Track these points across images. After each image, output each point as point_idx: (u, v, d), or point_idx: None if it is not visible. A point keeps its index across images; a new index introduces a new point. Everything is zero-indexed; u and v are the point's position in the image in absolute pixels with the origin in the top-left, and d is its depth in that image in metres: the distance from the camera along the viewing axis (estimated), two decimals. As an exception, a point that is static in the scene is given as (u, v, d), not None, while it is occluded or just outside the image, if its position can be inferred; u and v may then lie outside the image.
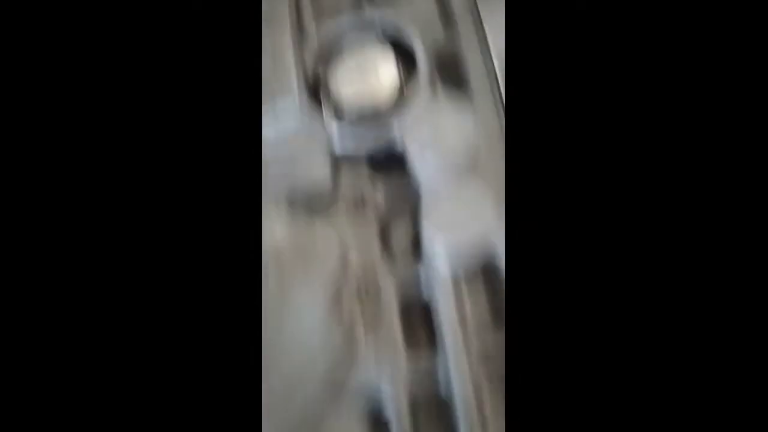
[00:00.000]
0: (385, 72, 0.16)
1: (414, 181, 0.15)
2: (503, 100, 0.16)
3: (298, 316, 0.15)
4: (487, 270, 0.15)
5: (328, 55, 0.17)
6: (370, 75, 0.16)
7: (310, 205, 0.16)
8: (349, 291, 0.15)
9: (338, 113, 0.16)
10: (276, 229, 0.15)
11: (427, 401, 0.14)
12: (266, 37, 0.17)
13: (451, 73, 0.16)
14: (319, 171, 0.16)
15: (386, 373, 0.14)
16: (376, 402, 0.14)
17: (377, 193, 0.16)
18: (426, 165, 0.15)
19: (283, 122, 0.16)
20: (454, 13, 0.17)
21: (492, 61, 0.16)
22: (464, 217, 0.14)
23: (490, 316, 0.15)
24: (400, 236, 0.16)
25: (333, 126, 0.16)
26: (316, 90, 0.17)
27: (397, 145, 0.16)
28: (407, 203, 0.15)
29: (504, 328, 0.14)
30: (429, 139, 0.15)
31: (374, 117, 0.16)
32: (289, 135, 0.16)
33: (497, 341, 0.14)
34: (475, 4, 0.17)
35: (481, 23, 0.16)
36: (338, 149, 0.16)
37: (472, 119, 0.15)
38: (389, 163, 0.16)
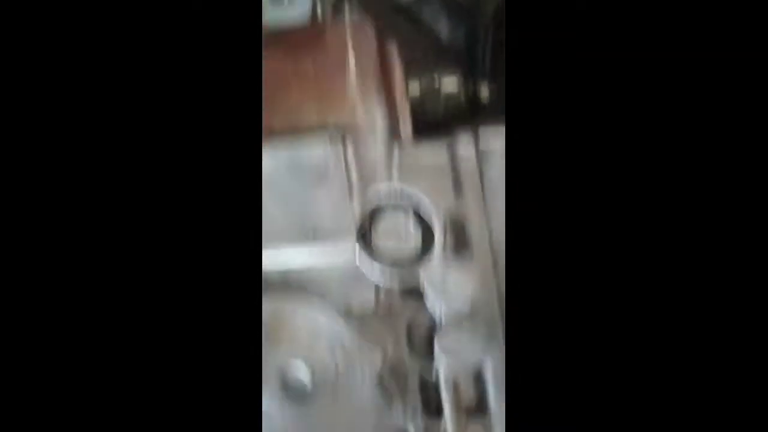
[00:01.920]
0: (410, 236, 0.21)
1: (430, 311, 0.22)
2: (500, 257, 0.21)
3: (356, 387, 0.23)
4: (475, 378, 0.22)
5: (372, 217, 0.22)
6: (405, 235, 0.21)
7: (361, 318, 0.23)
8: (386, 372, 0.23)
9: (379, 258, 0.22)
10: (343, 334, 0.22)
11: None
12: (323, 189, 0.22)
13: (459, 237, 0.22)
14: (366, 299, 0.22)
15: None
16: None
17: (406, 313, 0.23)
18: (438, 303, 0.22)
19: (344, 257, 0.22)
20: (462, 178, 0.22)
21: (491, 225, 0.21)
22: (462, 348, 0.21)
23: (476, 403, 0.22)
24: (420, 342, 0.23)
25: (375, 267, 0.22)
26: (365, 238, 0.22)
27: (419, 285, 0.22)
28: (425, 326, 0.22)
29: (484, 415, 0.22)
30: (440, 286, 0.21)
31: (402, 264, 0.22)
32: (349, 267, 0.22)
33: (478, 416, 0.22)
34: (481, 176, 0.21)
35: (483, 193, 0.21)
36: (379, 282, 0.22)
37: (472, 277, 0.21)
38: (415, 294, 0.22)
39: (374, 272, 0.22)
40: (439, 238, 0.21)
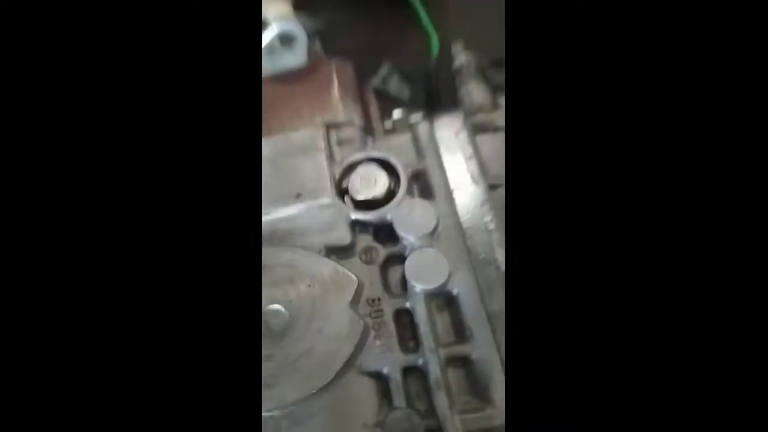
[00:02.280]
0: (381, 179, 0.26)
1: (400, 243, 0.25)
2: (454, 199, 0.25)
3: (331, 316, 0.23)
4: (443, 294, 0.24)
5: (348, 173, 0.27)
6: (377, 182, 0.26)
7: (338, 253, 0.25)
8: (362, 303, 0.24)
9: (355, 204, 0.26)
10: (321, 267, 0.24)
11: (412, 373, 0.23)
12: (309, 160, 0.27)
13: (422, 186, 0.27)
14: (343, 234, 0.25)
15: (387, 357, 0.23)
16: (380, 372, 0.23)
17: (380, 249, 0.25)
18: (406, 236, 0.25)
19: (323, 209, 0.26)
20: (423, 147, 0.28)
21: (447, 176, 0.26)
22: (432, 274, 0.23)
23: (451, 324, 0.24)
24: (393, 271, 0.25)
25: (351, 211, 0.26)
26: (341, 192, 0.27)
27: (388, 222, 0.25)
28: (397, 255, 0.25)
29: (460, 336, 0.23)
30: (407, 221, 0.25)
31: (374, 208, 0.26)
32: (327, 214, 0.26)
33: (453, 337, 0.23)
34: (436, 141, 0.27)
35: (440, 158, 0.27)
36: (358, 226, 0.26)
37: (434, 211, 0.25)
38: (386, 232, 0.26)
39: (350, 214, 0.25)
40: (404, 181, 0.26)
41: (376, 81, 0.38)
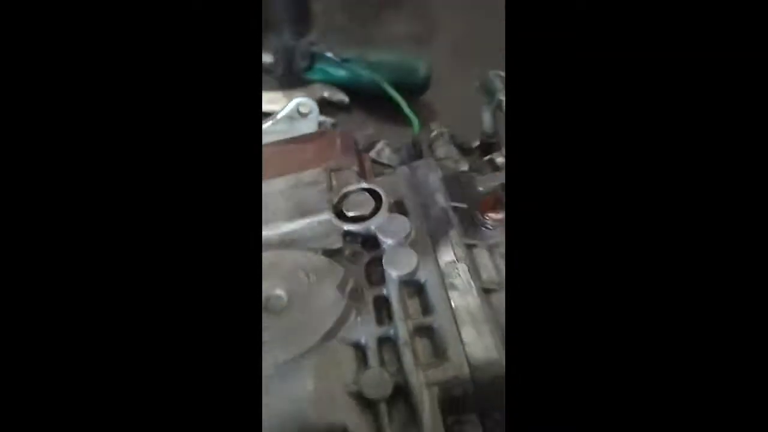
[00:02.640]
0: (368, 202, 0.33)
1: (381, 249, 0.31)
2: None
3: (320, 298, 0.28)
4: (413, 283, 0.29)
5: (343, 199, 0.34)
6: (364, 204, 0.33)
7: (332, 256, 0.31)
8: (347, 292, 0.29)
9: (347, 220, 0.33)
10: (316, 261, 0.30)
11: (386, 344, 0.27)
12: (313, 190, 0.35)
13: (398, 209, 0.34)
14: (334, 241, 0.32)
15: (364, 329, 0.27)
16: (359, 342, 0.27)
17: (365, 253, 0.31)
18: (385, 240, 0.31)
19: (322, 223, 0.33)
20: (402, 184, 0.35)
21: (420, 200, 0.33)
22: (404, 264, 0.29)
23: (419, 305, 0.29)
24: (375, 271, 0.31)
25: (343, 225, 0.32)
26: (337, 213, 0.33)
27: (372, 233, 0.32)
28: (378, 258, 0.31)
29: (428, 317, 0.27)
30: (387, 229, 0.31)
31: (361, 221, 0.32)
32: (324, 227, 0.33)
33: (420, 314, 0.28)
34: (412, 179, 0.35)
35: (416, 191, 0.34)
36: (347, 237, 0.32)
37: (408, 222, 0.32)
38: (370, 243, 0.32)
39: (342, 226, 0.32)
40: (386, 203, 0.33)
41: (373, 153, 0.47)
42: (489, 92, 0.35)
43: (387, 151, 0.47)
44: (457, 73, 0.56)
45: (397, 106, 0.50)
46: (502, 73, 0.34)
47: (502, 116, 0.37)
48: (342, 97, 0.56)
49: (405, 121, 0.49)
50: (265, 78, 0.59)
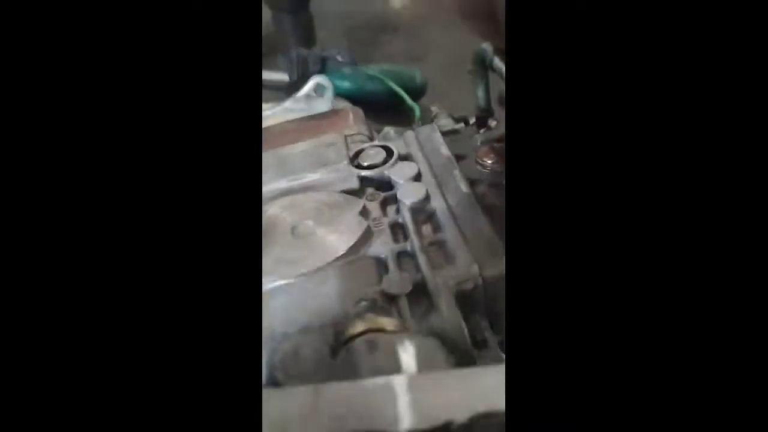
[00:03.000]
0: (380, 154, 0.37)
1: (394, 189, 0.35)
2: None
3: (343, 223, 0.32)
4: (424, 211, 0.33)
5: (358, 154, 0.38)
6: (377, 155, 0.37)
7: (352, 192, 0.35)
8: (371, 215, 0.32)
9: (362, 168, 0.37)
10: (338, 197, 0.34)
11: (403, 257, 0.30)
12: (332, 148, 0.39)
13: (408, 160, 0.38)
14: (353, 184, 0.36)
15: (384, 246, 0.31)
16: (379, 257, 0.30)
17: (380, 193, 0.35)
18: (398, 180, 0.35)
19: (340, 170, 0.37)
20: (408, 142, 0.40)
21: (424, 154, 0.38)
22: (415, 192, 0.33)
23: (431, 228, 0.32)
24: (390, 209, 0.34)
25: (359, 172, 0.36)
26: (354, 163, 0.38)
27: (385, 177, 0.36)
28: (392, 197, 0.35)
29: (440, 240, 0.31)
30: (398, 171, 0.35)
31: (376, 167, 0.36)
32: (343, 174, 0.37)
33: (431, 233, 0.31)
34: (420, 146, 0.39)
35: (420, 146, 0.39)
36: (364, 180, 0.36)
37: (417, 166, 0.36)
38: (385, 184, 0.36)
39: (359, 173, 0.36)
40: (395, 155, 0.37)
41: (379, 138, 0.51)
42: (481, 63, 0.40)
43: (392, 134, 0.51)
44: (451, 82, 0.63)
45: (399, 99, 0.55)
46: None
47: (495, 90, 0.42)
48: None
49: (407, 116, 0.55)
50: (277, 94, 0.65)
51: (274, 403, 0.18)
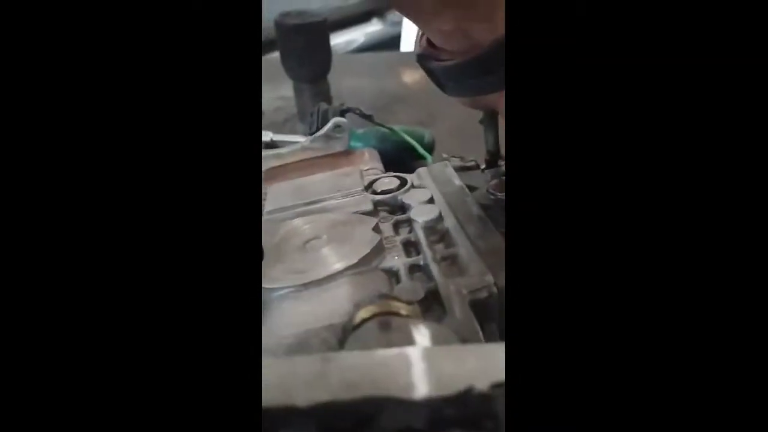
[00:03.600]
0: (395, 181, 0.38)
1: (410, 215, 0.35)
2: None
3: (356, 237, 0.31)
4: (437, 231, 0.33)
5: (373, 182, 0.39)
6: (391, 183, 0.38)
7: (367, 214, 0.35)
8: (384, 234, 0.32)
9: (378, 192, 0.37)
10: (353, 217, 0.34)
11: (416, 271, 0.30)
12: (349, 178, 0.40)
13: (420, 187, 0.38)
14: (367, 206, 0.36)
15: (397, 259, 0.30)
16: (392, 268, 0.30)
17: (393, 217, 0.35)
18: (411, 204, 0.35)
19: (355, 196, 0.37)
20: (422, 176, 0.40)
21: (433, 184, 0.38)
22: (426, 213, 0.33)
23: (443, 247, 0.32)
24: (404, 226, 0.34)
25: (374, 197, 0.37)
26: (370, 187, 0.38)
27: (398, 202, 0.36)
28: (404, 221, 0.35)
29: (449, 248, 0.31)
30: (411, 196, 0.36)
31: (390, 192, 0.37)
32: (358, 199, 0.37)
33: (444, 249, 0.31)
34: (433, 175, 0.40)
35: (433, 180, 0.40)
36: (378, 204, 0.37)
37: (429, 192, 0.36)
38: (398, 209, 0.36)
39: (374, 198, 0.36)
40: (409, 183, 0.37)
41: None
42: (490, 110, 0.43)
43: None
44: (458, 143, 0.66)
45: (411, 149, 0.57)
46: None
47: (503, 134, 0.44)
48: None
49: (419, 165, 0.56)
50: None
51: (276, 370, 0.16)
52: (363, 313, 0.21)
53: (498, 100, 0.32)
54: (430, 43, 0.32)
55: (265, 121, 0.82)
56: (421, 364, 0.16)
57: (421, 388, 0.16)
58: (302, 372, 0.16)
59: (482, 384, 0.16)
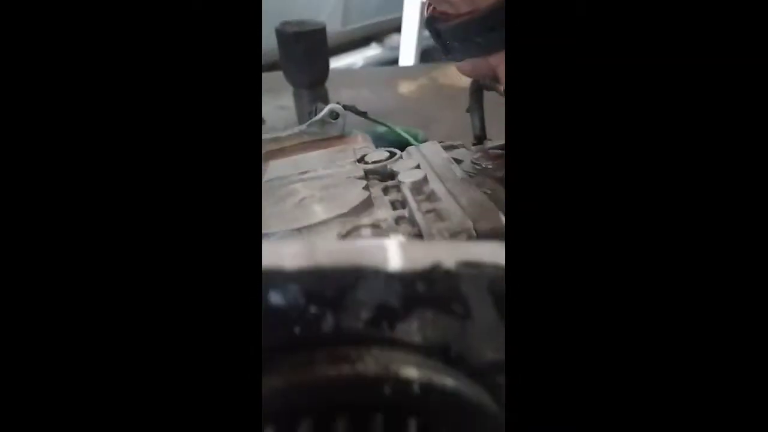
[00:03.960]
0: (384, 154, 0.40)
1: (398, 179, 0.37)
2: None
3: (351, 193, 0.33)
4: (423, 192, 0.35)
5: (364, 156, 0.41)
6: (382, 154, 0.40)
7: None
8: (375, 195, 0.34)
9: (369, 163, 0.40)
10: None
11: (402, 221, 0.32)
12: (343, 153, 0.42)
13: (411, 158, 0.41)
14: (359, 174, 0.38)
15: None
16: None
17: (384, 182, 0.37)
18: (401, 170, 0.37)
19: (349, 165, 0.40)
20: (412, 152, 0.43)
21: (423, 153, 0.41)
22: (413, 175, 0.35)
23: (428, 202, 0.34)
24: (392, 190, 0.36)
25: (365, 166, 0.39)
26: (362, 160, 0.41)
27: (388, 170, 0.38)
28: (396, 181, 0.37)
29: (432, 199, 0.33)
30: (400, 163, 0.38)
31: (381, 164, 0.39)
32: (351, 168, 0.39)
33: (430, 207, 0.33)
34: (420, 150, 0.43)
35: (424, 156, 0.42)
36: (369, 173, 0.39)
37: (417, 160, 0.39)
38: (388, 177, 0.38)
39: (364, 167, 0.38)
40: (398, 155, 0.40)
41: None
42: (476, 94, 0.45)
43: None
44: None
45: (407, 144, 0.60)
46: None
47: (489, 114, 0.47)
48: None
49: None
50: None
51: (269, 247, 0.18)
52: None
53: (498, 66, 0.34)
54: (437, 10, 0.35)
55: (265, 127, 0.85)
56: (396, 248, 0.18)
57: (395, 262, 0.18)
58: (292, 247, 0.18)
59: (449, 261, 0.18)
